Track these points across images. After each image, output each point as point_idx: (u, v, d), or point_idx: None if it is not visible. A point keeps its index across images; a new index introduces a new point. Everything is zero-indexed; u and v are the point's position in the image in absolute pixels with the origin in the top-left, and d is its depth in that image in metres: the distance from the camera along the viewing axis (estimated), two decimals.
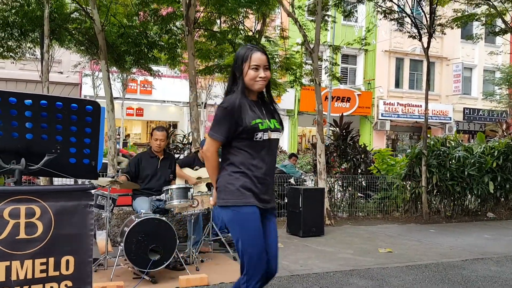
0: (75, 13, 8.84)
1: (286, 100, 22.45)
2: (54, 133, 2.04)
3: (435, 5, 9.00)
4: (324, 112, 16.00)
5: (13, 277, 1.95)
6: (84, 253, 2.11)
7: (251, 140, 2.56)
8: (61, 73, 19.66)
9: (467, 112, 27.46)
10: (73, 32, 9.12)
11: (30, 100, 1.93)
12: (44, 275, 2.03)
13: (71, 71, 18.82)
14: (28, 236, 1.99)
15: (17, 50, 9.47)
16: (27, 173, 2.04)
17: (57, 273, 2.06)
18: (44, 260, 2.03)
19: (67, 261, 2.08)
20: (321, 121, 8.26)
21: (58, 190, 2.07)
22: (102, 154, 2.17)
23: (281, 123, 2.76)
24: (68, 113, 1.99)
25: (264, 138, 2.59)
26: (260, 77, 2.59)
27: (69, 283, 2.09)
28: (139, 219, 4.36)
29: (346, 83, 24.73)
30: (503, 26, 11.06)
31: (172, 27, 9.67)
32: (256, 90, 2.64)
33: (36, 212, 1.99)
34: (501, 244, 6.63)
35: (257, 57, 2.56)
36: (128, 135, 23.89)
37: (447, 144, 9.24)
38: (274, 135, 2.64)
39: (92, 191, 2.11)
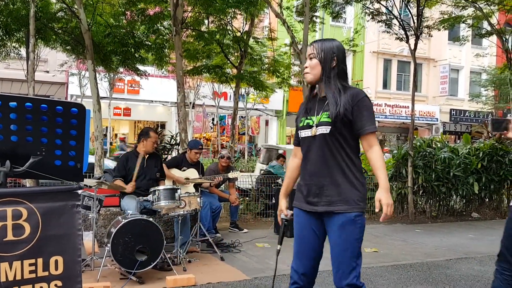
0: (61, 12, 8.77)
1: (275, 101, 22.54)
2: (39, 135, 2.04)
3: (422, 7, 9.10)
4: None
5: (2, 279, 1.96)
6: (72, 253, 2.12)
7: (299, 140, 2.62)
8: (47, 72, 19.49)
9: (453, 113, 27.78)
10: (58, 31, 9.04)
11: (15, 103, 1.94)
12: (33, 275, 2.05)
13: (57, 70, 18.67)
14: (16, 237, 2.00)
15: (1, 50, 9.37)
16: (12, 176, 2.04)
17: (46, 273, 2.08)
18: (33, 261, 2.04)
19: (56, 261, 2.09)
20: None
21: (44, 191, 2.08)
22: (88, 156, 2.17)
23: (336, 115, 2.41)
24: (53, 116, 2.00)
25: (305, 135, 2.54)
26: (305, 68, 2.55)
27: (59, 283, 2.10)
28: (126, 220, 4.36)
29: None
30: (489, 28, 11.23)
31: (160, 27, 9.64)
32: (308, 82, 2.57)
33: (23, 213, 2.00)
34: (485, 243, 6.74)
35: (307, 49, 2.56)
36: (115, 135, 23.75)
37: (433, 145, 9.35)
38: (319, 130, 2.46)
39: (79, 191, 2.12)
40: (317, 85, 2.57)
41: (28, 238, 2.04)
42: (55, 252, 2.11)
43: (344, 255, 2.48)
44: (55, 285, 2.13)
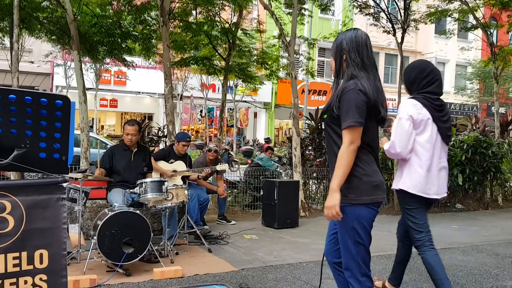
0: (46, 1, 8.62)
1: (263, 93, 22.54)
2: (23, 127, 2.02)
3: (409, 1, 9.14)
4: (300, 105, 16.10)
5: None
6: (57, 247, 2.11)
7: None
8: (32, 62, 19.22)
9: None
10: (43, 21, 8.89)
11: None
12: (17, 269, 2.03)
13: (42, 61, 18.41)
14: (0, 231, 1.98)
15: None
16: None
17: (30, 267, 2.06)
18: (17, 254, 2.03)
19: (41, 255, 2.08)
20: (297, 114, 8.32)
21: (29, 184, 2.06)
22: (73, 149, 2.16)
23: (332, 107, 2.50)
24: (37, 108, 1.98)
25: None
26: None
27: (44, 277, 2.09)
28: (113, 213, 4.35)
29: (323, 76, 24.93)
30: (474, 22, 11.33)
31: (147, 18, 9.54)
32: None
33: (6, 206, 1.98)
34: (468, 234, 6.86)
35: None
36: (102, 127, 23.56)
37: None
38: (323, 125, 2.62)
39: (64, 184, 2.11)
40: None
41: (12, 232, 2.03)
42: (40, 246, 2.10)
43: (342, 245, 2.60)
44: (40, 278, 2.12)
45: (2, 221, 1.99)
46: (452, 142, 9.43)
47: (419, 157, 3.38)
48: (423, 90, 3.40)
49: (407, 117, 3.32)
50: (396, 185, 3.52)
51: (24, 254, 2.06)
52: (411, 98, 3.43)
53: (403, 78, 3.61)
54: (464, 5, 10.79)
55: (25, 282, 2.07)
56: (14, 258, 2.03)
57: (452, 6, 11.12)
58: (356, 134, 2.42)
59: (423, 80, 3.42)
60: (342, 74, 2.57)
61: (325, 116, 2.57)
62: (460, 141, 9.45)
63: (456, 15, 11.65)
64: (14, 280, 2.04)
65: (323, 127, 2.73)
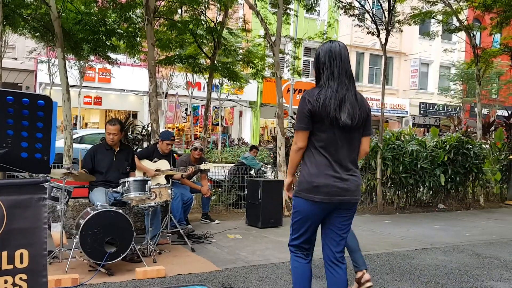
0: None
1: (249, 92, 22.56)
2: (5, 127, 2.01)
3: (393, 2, 9.24)
4: (286, 105, 16.16)
5: None
6: (38, 246, 2.11)
7: None
8: (15, 59, 18.94)
9: (423, 107, 28.42)
10: (27, 18, 8.78)
11: None
12: None
13: (26, 57, 18.15)
14: None
15: None
16: None
17: (11, 266, 2.06)
18: None
19: (21, 255, 2.08)
20: (282, 114, 8.36)
21: (10, 184, 2.05)
22: (54, 149, 2.15)
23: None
24: (19, 108, 1.97)
25: None
26: None
27: (24, 276, 2.09)
28: (95, 212, 4.33)
29: (308, 76, 25.03)
30: (458, 24, 11.50)
31: (132, 15, 9.47)
32: None
33: None
34: (449, 234, 6.97)
35: None
36: (85, 124, 23.33)
37: (402, 138, 9.57)
38: None
39: (46, 184, 2.10)
40: None
41: None
42: (21, 245, 2.09)
43: None
44: (20, 278, 2.11)
45: None
46: (435, 143, 9.58)
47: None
48: None
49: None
50: None
51: (4, 254, 2.05)
52: None
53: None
54: (447, 7, 10.94)
55: (5, 281, 2.06)
56: None
57: (436, 8, 11.27)
58: (298, 137, 2.80)
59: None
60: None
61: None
62: (443, 142, 9.60)
63: (440, 17, 11.81)
64: None
65: None
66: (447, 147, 9.43)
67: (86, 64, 17.96)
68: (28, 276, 2.11)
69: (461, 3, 11.21)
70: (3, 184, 2.05)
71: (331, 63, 2.78)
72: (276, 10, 8.95)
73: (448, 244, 6.18)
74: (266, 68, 13.55)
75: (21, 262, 2.09)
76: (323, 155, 2.76)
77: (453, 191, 9.95)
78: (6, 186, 2.02)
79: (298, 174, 2.98)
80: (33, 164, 2.09)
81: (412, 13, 10.78)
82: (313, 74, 25.21)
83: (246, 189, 7.83)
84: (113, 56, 10.85)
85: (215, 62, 10.68)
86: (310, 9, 11.16)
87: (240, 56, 12.04)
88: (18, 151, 2.06)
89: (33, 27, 9.13)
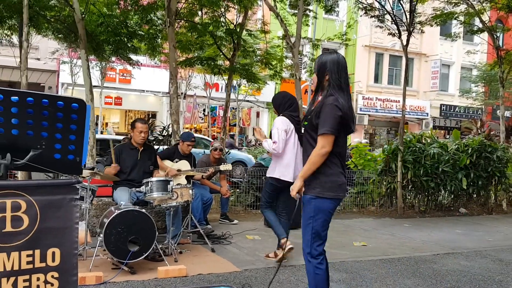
0: (54, 0, 8.69)
1: (266, 93, 22.56)
2: (39, 129, 2.07)
3: (415, 3, 9.15)
4: (303, 106, 16.12)
5: (0, 269, 2.00)
6: (69, 246, 2.16)
7: None
8: (38, 59, 19.28)
9: (443, 109, 28.03)
10: (51, 19, 8.96)
11: (17, 97, 1.96)
12: (30, 266, 2.08)
13: (48, 58, 18.47)
14: (14, 229, 2.03)
15: None
16: (12, 168, 2.07)
17: (43, 264, 2.11)
18: (30, 252, 2.08)
19: (53, 253, 2.13)
20: (301, 115, 8.34)
21: (44, 184, 2.10)
22: (87, 150, 2.21)
23: (312, 117, 3.02)
24: (54, 110, 2.02)
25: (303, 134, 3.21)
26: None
27: (55, 274, 2.14)
28: (119, 211, 4.39)
29: None
30: (480, 25, 11.33)
31: (153, 17, 9.60)
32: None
33: (22, 206, 2.03)
34: (472, 239, 6.87)
35: None
36: (106, 124, 23.65)
37: (423, 141, 9.47)
38: (303, 131, 3.18)
39: (78, 185, 2.15)
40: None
41: (26, 230, 2.07)
42: (52, 244, 2.15)
43: (303, 230, 3.10)
44: (52, 276, 2.16)
45: (17, 219, 2.03)
46: (456, 146, 9.45)
47: (286, 154, 4.87)
48: (287, 111, 4.97)
49: (282, 128, 4.83)
50: (272, 173, 4.94)
51: (37, 252, 2.11)
52: (281, 115, 4.96)
53: (272, 104, 5.17)
54: (470, 8, 10.79)
55: (38, 279, 2.12)
56: (27, 255, 2.08)
57: (458, 9, 11.12)
58: (328, 141, 2.92)
59: (285, 104, 5.01)
60: (321, 90, 3.07)
61: (306, 123, 3.10)
62: (465, 145, 9.46)
63: (462, 18, 11.65)
64: (27, 277, 2.09)
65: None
66: (469, 151, 9.29)
67: (108, 65, 18.21)
68: (60, 274, 2.16)
69: (484, 4, 11.04)
70: (37, 185, 2.10)
71: (340, 74, 3.00)
72: (295, 11, 8.95)
73: (470, 249, 6.09)
74: (284, 69, 13.53)
75: (53, 260, 2.14)
76: (337, 157, 3.03)
77: (475, 195, 9.81)
78: (40, 187, 2.08)
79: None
80: (66, 165, 2.15)
81: (434, 14, 10.66)
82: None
83: None
84: (134, 57, 11.00)
85: (234, 63, 10.74)
86: (329, 10, 11.15)
87: (259, 57, 12.08)
88: (51, 152, 2.12)
89: (57, 28, 9.32)
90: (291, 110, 5.01)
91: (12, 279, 2.04)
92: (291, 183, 4.53)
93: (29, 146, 2.06)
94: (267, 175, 5.09)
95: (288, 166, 4.84)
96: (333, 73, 2.98)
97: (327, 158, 2.96)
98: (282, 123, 4.87)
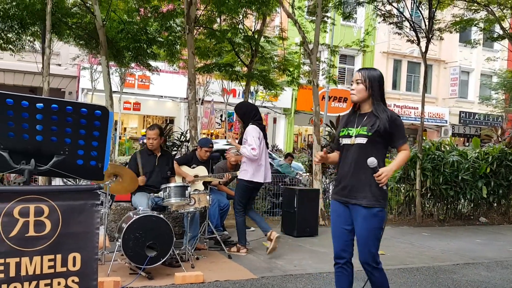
0: (75, 7, 8.86)
1: (283, 99, 22.53)
2: (63, 135, 2.11)
3: (434, 10, 9.07)
4: (320, 112, 16.04)
5: (23, 273, 2.03)
6: (90, 250, 2.19)
7: (339, 145, 3.26)
8: (59, 65, 19.61)
9: (463, 116, 27.64)
10: (72, 26, 9.13)
11: (42, 104, 2.00)
12: (52, 271, 2.11)
13: (69, 64, 18.78)
14: (37, 233, 2.07)
15: (16, 43, 9.46)
16: (36, 173, 2.11)
17: (64, 269, 2.14)
18: (52, 256, 2.11)
19: (74, 258, 2.16)
20: (318, 122, 8.33)
21: (66, 190, 2.14)
22: (109, 157, 2.24)
23: (376, 130, 3.07)
24: (77, 117, 2.06)
25: (345, 142, 3.18)
26: (351, 89, 3.20)
27: (76, 279, 2.17)
28: (137, 216, 4.43)
29: (344, 83, 24.82)
30: (501, 32, 11.17)
31: (172, 24, 9.71)
32: (353, 102, 3.22)
33: (44, 211, 2.06)
34: (492, 249, 6.74)
35: (354, 74, 3.22)
36: (124, 129, 23.90)
37: (442, 149, 9.35)
38: (357, 140, 3.11)
39: (99, 190, 2.18)
40: (359, 104, 3.22)
41: (48, 235, 2.11)
42: (74, 249, 2.18)
43: (366, 240, 3.08)
44: (72, 280, 2.19)
45: (40, 224, 2.07)
46: (476, 154, 9.30)
47: (259, 158, 5.39)
48: (255, 119, 5.47)
49: (256, 136, 5.35)
50: (245, 176, 5.41)
51: (58, 257, 2.14)
52: (252, 124, 5.42)
53: (236, 111, 5.63)
54: (490, 15, 10.65)
55: (59, 283, 2.15)
56: (49, 260, 2.11)
57: (478, 15, 10.98)
58: (408, 146, 3.21)
59: (250, 113, 5.52)
60: (376, 102, 3.14)
61: (370, 134, 3.07)
62: (485, 153, 9.31)
63: (482, 25, 11.49)
64: (48, 281, 2.13)
65: (354, 141, 3.15)
66: (490, 159, 9.13)
67: (127, 71, 18.43)
68: (80, 279, 2.19)
69: (504, 11, 10.88)
70: (59, 190, 2.14)
71: (383, 89, 3.21)
72: (313, 18, 8.95)
73: (491, 260, 5.98)
74: (302, 76, 13.52)
75: (74, 265, 2.18)
76: None
77: (495, 204, 9.63)
78: (62, 192, 2.12)
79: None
80: (88, 171, 2.18)
81: (453, 21, 10.55)
82: (349, 81, 25.02)
83: (281, 197, 7.82)
84: (153, 63, 11.12)
85: (252, 70, 10.77)
86: (347, 17, 11.11)
87: (276, 64, 12.10)
88: (74, 158, 2.15)
89: (78, 35, 9.47)
90: (257, 119, 5.52)
91: (34, 283, 2.08)
92: (261, 184, 5.62)
93: (53, 152, 2.10)
94: (239, 177, 5.49)
95: (260, 169, 5.40)
96: (382, 86, 3.19)
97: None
98: (255, 131, 5.40)
